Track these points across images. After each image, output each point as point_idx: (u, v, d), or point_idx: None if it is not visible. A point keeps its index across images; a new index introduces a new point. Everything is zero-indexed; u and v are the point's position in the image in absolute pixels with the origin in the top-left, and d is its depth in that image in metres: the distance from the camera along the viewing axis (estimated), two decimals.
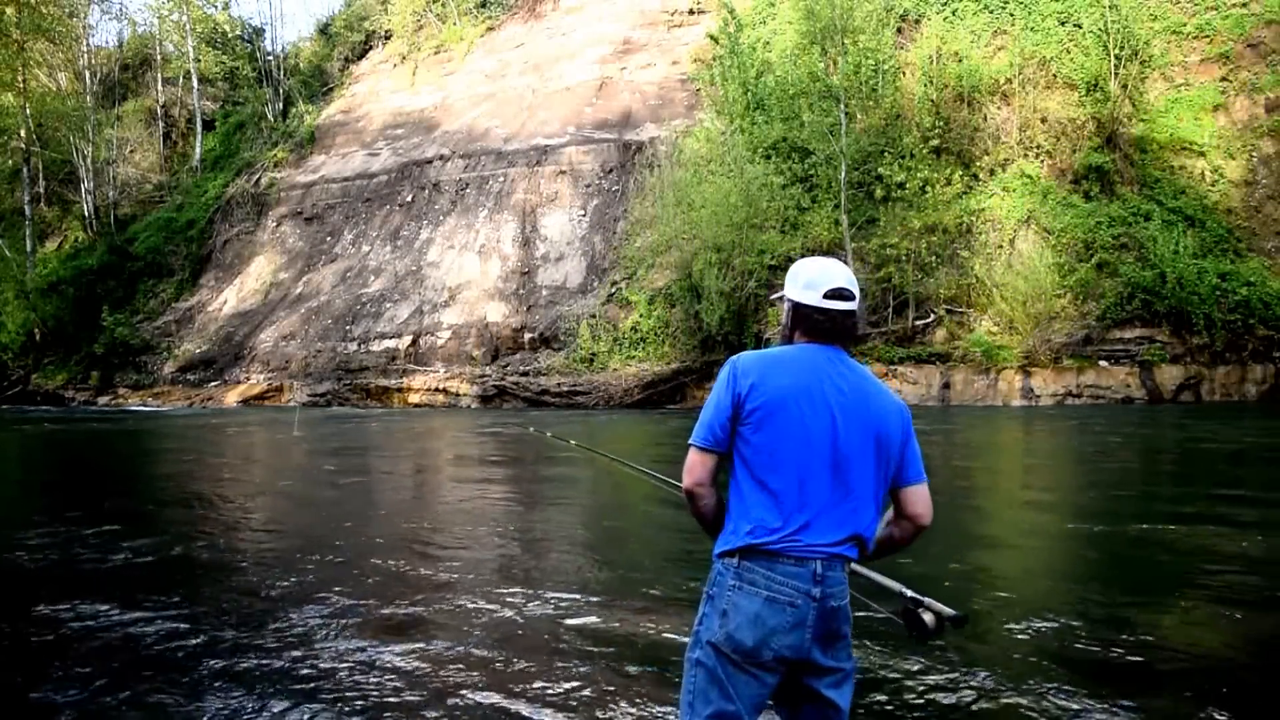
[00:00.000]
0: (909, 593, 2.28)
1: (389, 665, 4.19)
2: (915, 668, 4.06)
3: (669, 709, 3.63)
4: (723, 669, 2.11)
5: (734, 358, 2.28)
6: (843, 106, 25.81)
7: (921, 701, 3.70)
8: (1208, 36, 25.37)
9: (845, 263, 23.84)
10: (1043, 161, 25.21)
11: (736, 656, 2.11)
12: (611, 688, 3.88)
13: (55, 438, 19.50)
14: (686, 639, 2.30)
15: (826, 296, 2.27)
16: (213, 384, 31.64)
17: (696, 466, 2.23)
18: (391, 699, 3.80)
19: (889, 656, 4.19)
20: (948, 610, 2.22)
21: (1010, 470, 12.25)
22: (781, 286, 2.40)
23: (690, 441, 2.24)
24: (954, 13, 28.26)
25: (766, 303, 22.62)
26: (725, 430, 2.20)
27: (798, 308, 2.31)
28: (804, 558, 2.13)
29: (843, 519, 2.18)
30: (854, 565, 2.35)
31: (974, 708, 3.64)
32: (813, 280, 2.30)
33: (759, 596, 2.12)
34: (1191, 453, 13.05)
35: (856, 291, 2.30)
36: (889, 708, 3.64)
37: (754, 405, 2.17)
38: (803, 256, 2.43)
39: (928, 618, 2.21)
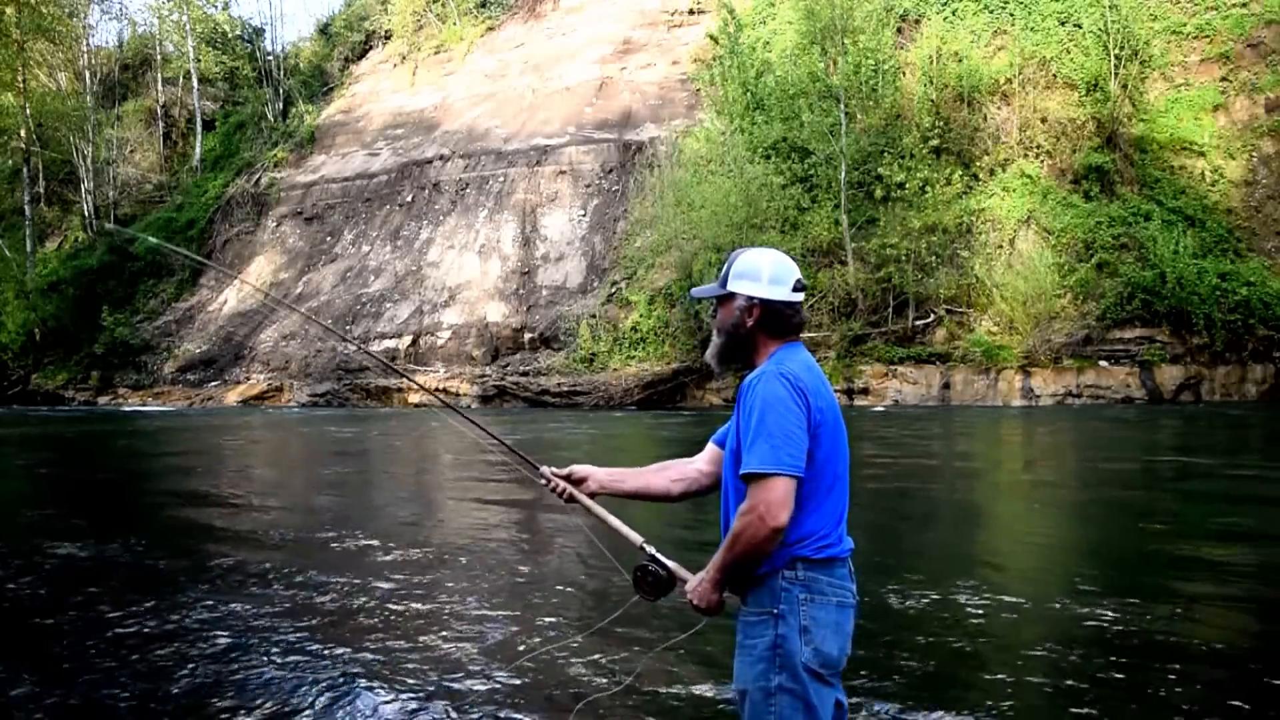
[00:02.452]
0: (650, 549, 2.23)
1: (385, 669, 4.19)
2: (906, 677, 4.06)
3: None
4: (813, 690, 2.01)
5: (780, 373, 2.06)
6: (843, 106, 25.82)
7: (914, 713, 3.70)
8: (1208, 36, 25.36)
9: (845, 262, 23.76)
10: (1043, 161, 25.20)
11: (824, 671, 2.02)
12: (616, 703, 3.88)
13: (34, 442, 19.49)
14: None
15: (795, 290, 2.18)
16: (213, 384, 31.64)
17: (790, 497, 1.97)
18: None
19: (876, 664, 4.19)
20: (683, 572, 2.17)
21: (1010, 472, 12.24)
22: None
23: (775, 470, 1.96)
24: (954, 13, 28.25)
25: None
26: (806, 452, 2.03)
27: (768, 305, 2.16)
28: (844, 558, 2.12)
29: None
30: (595, 509, 2.35)
31: None
32: (778, 275, 2.17)
33: (831, 603, 2.06)
34: (1192, 452, 13.05)
35: None
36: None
37: (819, 423, 2.05)
38: (749, 249, 2.27)
39: (663, 572, 2.18)
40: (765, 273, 2.17)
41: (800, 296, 2.19)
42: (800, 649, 2.01)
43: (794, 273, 2.19)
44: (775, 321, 2.17)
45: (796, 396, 2.02)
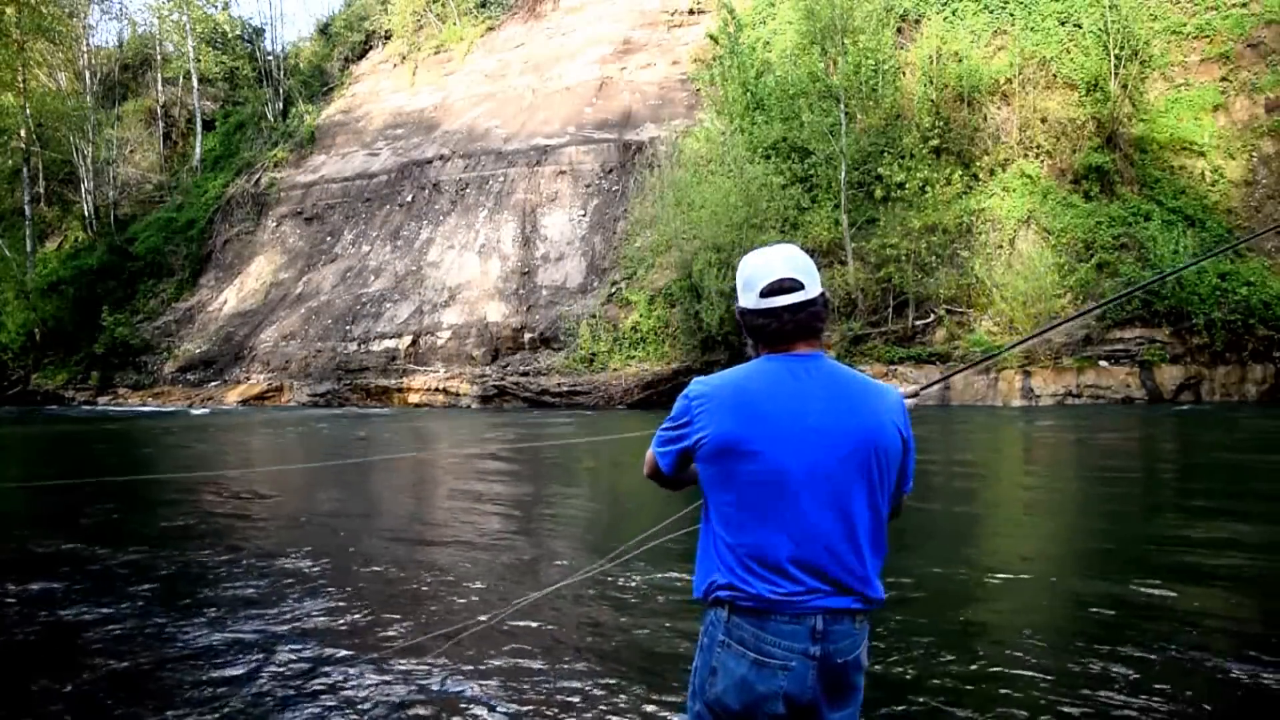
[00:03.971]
0: None
1: (391, 668, 4.19)
2: (898, 687, 4.06)
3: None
4: None
5: (690, 389, 1.97)
6: (843, 106, 25.81)
7: None
8: (1208, 36, 25.36)
9: (844, 262, 23.64)
10: (1043, 161, 25.20)
11: (725, 717, 1.88)
12: (612, 696, 3.88)
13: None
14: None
15: (764, 294, 1.92)
16: (213, 384, 31.63)
17: (652, 465, 2.07)
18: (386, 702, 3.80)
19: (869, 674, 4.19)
20: None
21: (1010, 474, 12.24)
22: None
23: (653, 448, 2.05)
24: (954, 13, 28.25)
25: None
26: (674, 465, 2.01)
27: (742, 315, 1.99)
28: (801, 614, 1.85)
29: (856, 567, 1.89)
30: None
31: None
32: (749, 279, 1.97)
33: (746, 659, 1.85)
34: (1192, 452, 13.04)
35: (808, 276, 1.93)
36: None
37: (715, 449, 1.89)
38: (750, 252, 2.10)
39: None
40: (740, 279, 2.00)
41: (772, 302, 1.92)
42: (704, 687, 1.93)
43: (767, 275, 1.93)
44: (754, 333, 1.98)
45: (680, 418, 1.96)
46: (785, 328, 1.92)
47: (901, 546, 6.67)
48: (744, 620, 1.87)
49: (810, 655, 1.84)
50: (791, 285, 1.92)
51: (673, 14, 35.64)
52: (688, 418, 1.94)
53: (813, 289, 1.94)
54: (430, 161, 34.67)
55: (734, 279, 2.09)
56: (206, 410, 28.25)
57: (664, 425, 2.01)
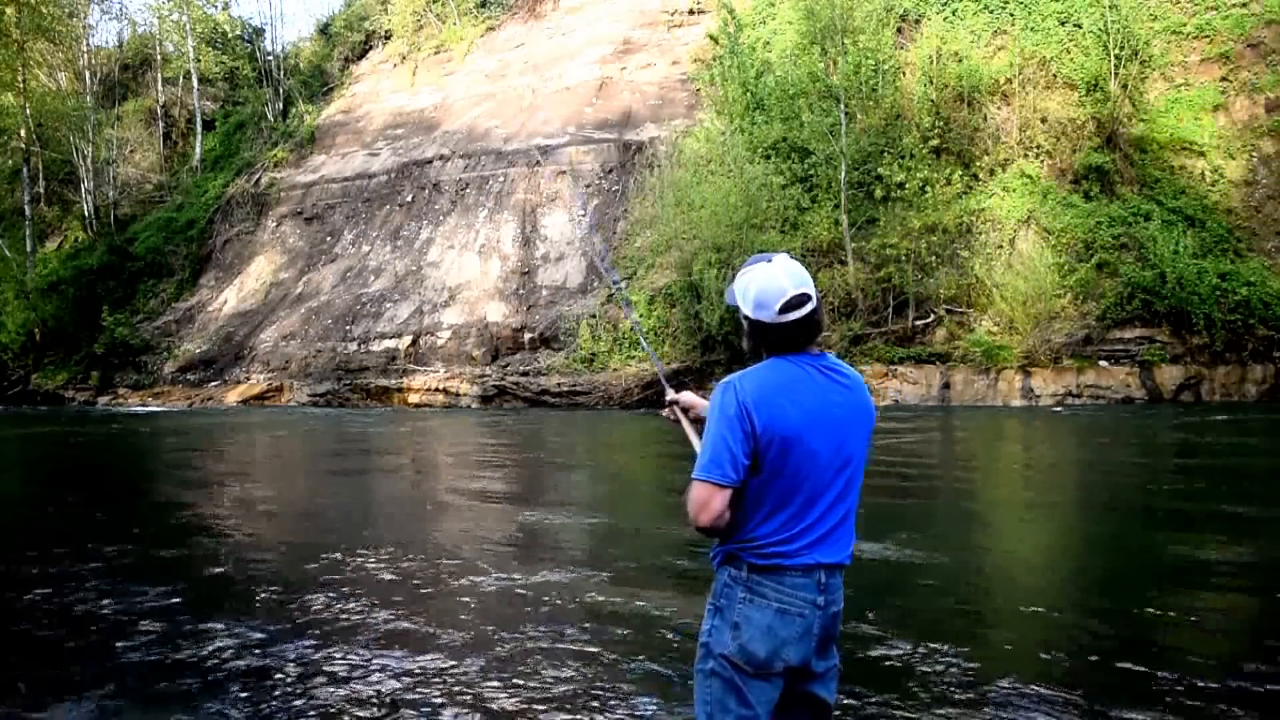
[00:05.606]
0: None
1: (396, 665, 4.19)
2: (894, 687, 4.06)
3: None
4: (739, 677, 2.13)
5: (735, 386, 2.14)
6: (843, 106, 25.81)
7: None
8: (1208, 36, 25.35)
9: (845, 262, 23.64)
10: (1043, 161, 25.18)
11: (749, 668, 2.12)
12: (615, 682, 3.88)
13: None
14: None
15: (782, 311, 2.13)
16: (213, 384, 31.63)
17: (715, 502, 2.09)
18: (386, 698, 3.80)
19: (870, 669, 4.19)
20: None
21: (1009, 472, 12.24)
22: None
23: (703, 477, 2.10)
24: (954, 13, 28.24)
25: None
26: (746, 465, 2.10)
27: (756, 325, 2.19)
28: (809, 567, 2.14)
29: (845, 527, 2.21)
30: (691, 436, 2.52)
31: None
32: (761, 299, 2.15)
33: (770, 609, 2.13)
34: (1191, 452, 13.04)
35: (811, 286, 2.15)
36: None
37: (769, 440, 2.09)
38: (751, 264, 2.23)
39: None
40: (750, 296, 2.18)
41: (789, 317, 2.14)
42: (726, 642, 2.15)
43: (781, 294, 2.13)
44: (770, 340, 2.19)
45: (739, 409, 2.10)
46: (800, 336, 2.18)
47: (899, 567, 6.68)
48: (764, 577, 2.15)
49: (818, 605, 2.16)
50: (802, 300, 2.15)
51: (673, 14, 35.63)
52: (749, 409, 2.10)
53: (815, 296, 2.18)
54: (430, 161, 34.66)
55: (734, 278, 2.27)
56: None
57: (716, 433, 2.11)
